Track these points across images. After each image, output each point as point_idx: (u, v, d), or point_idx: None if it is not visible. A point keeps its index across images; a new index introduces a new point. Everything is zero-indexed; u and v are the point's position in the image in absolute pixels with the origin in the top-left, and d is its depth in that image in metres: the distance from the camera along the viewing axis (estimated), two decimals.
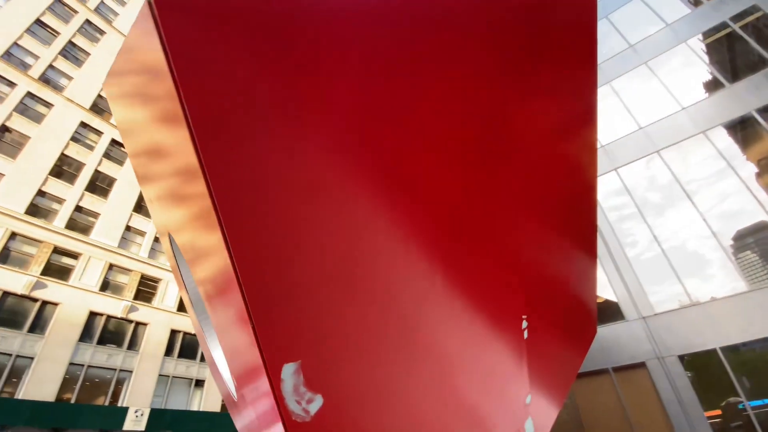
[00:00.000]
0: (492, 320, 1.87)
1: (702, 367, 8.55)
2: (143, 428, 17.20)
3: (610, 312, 10.04)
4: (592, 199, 2.67)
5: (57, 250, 18.45)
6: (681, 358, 8.58)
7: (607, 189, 11.17)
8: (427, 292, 1.16)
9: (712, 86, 10.33)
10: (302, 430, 0.84)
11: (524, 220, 1.65)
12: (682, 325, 8.75)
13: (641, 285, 9.60)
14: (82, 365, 17.45)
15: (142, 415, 17.51)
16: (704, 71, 10.68)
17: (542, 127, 1.59)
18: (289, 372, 0.86)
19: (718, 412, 7.92)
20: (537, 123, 1.54)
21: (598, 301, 10.38)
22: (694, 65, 10.86)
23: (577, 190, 2.23)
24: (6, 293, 16.25)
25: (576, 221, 2.46)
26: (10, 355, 15.80)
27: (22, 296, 16.62)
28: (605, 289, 10.29)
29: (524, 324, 2.40)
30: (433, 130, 1.08)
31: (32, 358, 16.18)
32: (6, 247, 16.87)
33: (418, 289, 1.13)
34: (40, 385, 15.87)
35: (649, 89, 11.40)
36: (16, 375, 15.88)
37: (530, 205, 1.69)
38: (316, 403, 0.90)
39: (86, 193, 20.63)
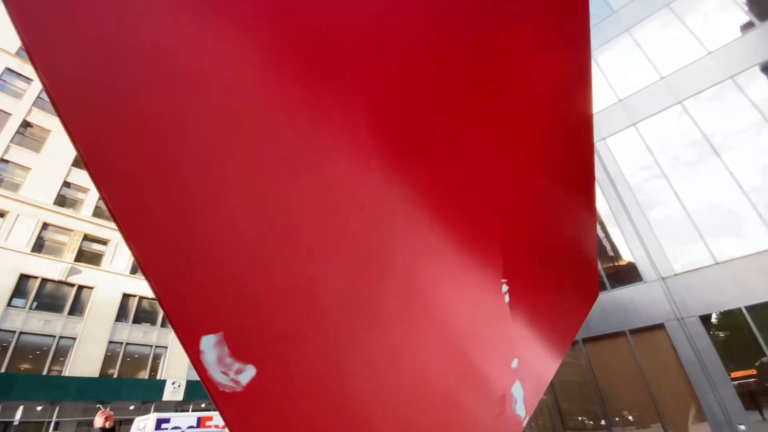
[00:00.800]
0: (465, 284, 1.80)
1: (725, 327, 8.32)
2: (181, 398, 18.45)
3: (627, 274, 9.80)
4: (588, 140, 2.52)
5: (87, 237, 19.41)
6: (702, 318, 8.36)
7: (625, 146, 10.63)
8: (378, 229, 1.04)
9: (743, 27, 9.45)
10: (234, 401, 0.83)
11: (502, 157, 1.47)
12: (704, 284, 8.45)
13: (661, 246, 9.27)
14: (121, 343, 18.63)
15: (179, 386, 18.75)
16: (733, 10, 9.74)
17: (528, 45, 1.39)
18: (209, 344, 0.85)
19: (745, 372, 7.73)
20: (522, 38, 1.35)
21: (617, 264, 10.15)
22: (721, 4, 9.91)
23: (570, 128, 1.98)
24: (44, 279, 17.27)
25: (568, 168, 2.26)
26: (54, 336, 17.00)
27: (60, 282, 17.62)
28: (623, 252, 10.01)
29: (504, 288, 2.33)
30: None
31: (75, 338, 17.36)
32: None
33: (363, 229, 1.01)
34: (84, 363, 17.07)
35: (671, 35, 10.53)
36: (61, 354, 17.13)
37: (510, 139, 1.51)
38: (248, 374, 0.87)
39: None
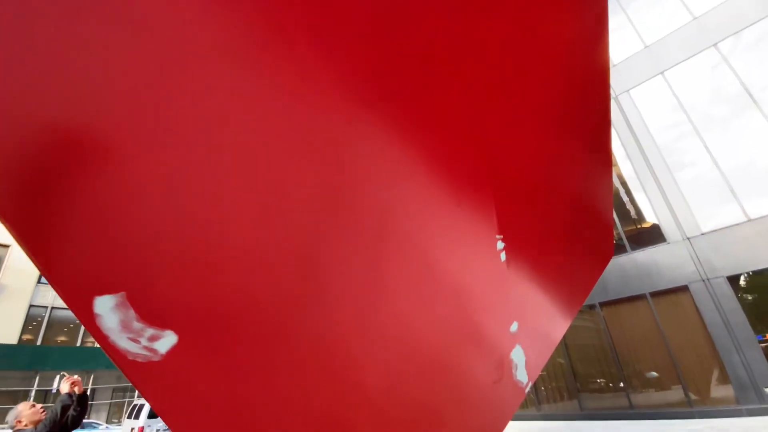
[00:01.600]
0: (456, 241, 1.60)
1: (754, 288, 7.89)
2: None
3: (649, 236, 9.34)
4: (603, 91, 2.15)
5: None
6: (730, 279, 7.93)
7: (651, 98, 9.85)
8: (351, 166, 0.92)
9: None
10: (152, 373, 0.71)
11: (494, 107, 1.31)
12: (734, 243, 7.96)
13: (688, 204, 8.72)
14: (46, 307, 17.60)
15: None
16: None
17: None
18: (106, 306, 0.69)
19: None
20: None
21: (639, 226, 9.69)
22: None
23: (582, 78, 1.82)
24: None
25: (578, 121, 2.04)
26: None
27: None
28: (645, 212, 9.51)
29: (500, 245, 2.12)
30: None
31: None
32: None
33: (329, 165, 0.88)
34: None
35: None
36: None
37: (505, 88, 1.32)
38: (166, 341, 0.74)
39: None
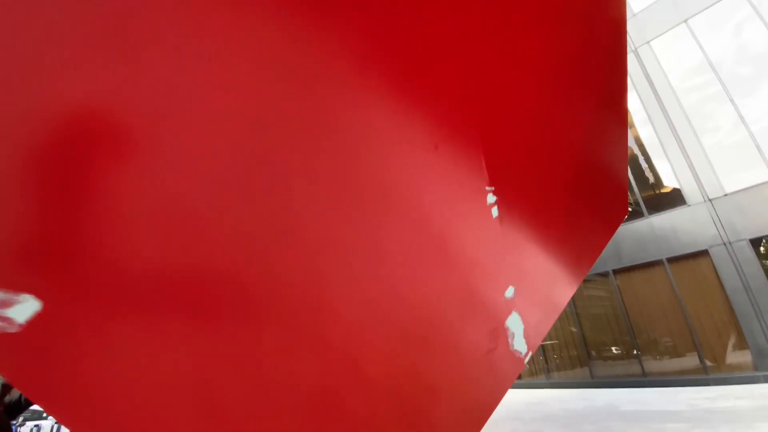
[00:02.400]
0: (441, 191, 1.44)
1: None
2: None
3: (666, 199, 8.88)
4: (618, 42, 2.00)
5: None
6: (753, 242, 7.51)
7: (674, 50, 9.12)
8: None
9: None
10: (9, 346, 0.58)
11: (483, 45, 1.24)
12: (758, 204, 7.48)
13: (711, 164, 8.17)
14: None
15: None
16: None
17: None
18: None
19: None
20: None
21: (657, 188, 9.23)
22: None
23: (592, 28, 1.72)
24: None
25: (589, 65, 1.88)
26: None
27: None
28: (663, 172, 9.00)
29: (491, 199, 1.76)
30: None
31: None
32: None
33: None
34: None
35: None
36: None
37: (496, 30, 1.25)
38: (24, 307, 0.60)
39: None
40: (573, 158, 2.41)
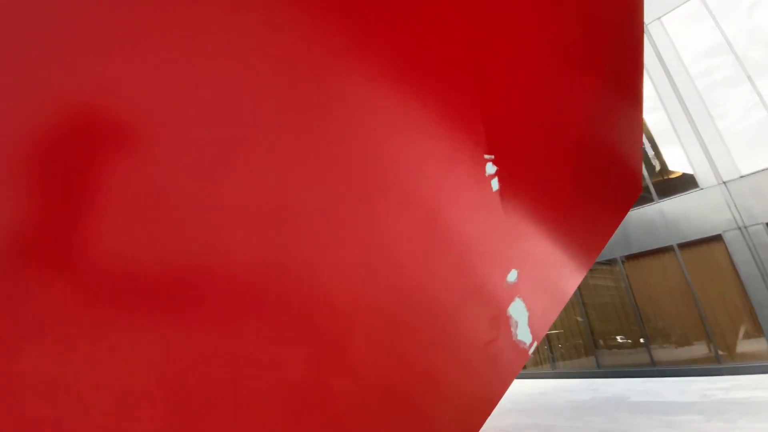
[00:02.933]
0: (426, 155, 1.32)
1: None
2: None
3: (678, 183, 8.53)
4: (635, 12, 1.96)
5: None
6: None
7: (687, 24, 8.67)
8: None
9: None
10: None
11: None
12: None
13: (726, 145, 7.79)
14: None
15: None
16: None
17: None
18: None
19: None
20: None
21: (668, 173, 8.87)
22: None
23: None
24: None
25: (602, 44, 1.87)
26: None
27: None
28: (675, 154, 8.63)
29: (491, 169, 1.74)
30: None
31: None
32: None
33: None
34: None
35: None
36: None
37: None
38: None
39: None
40: (581, 134, 2.11)
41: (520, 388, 8.91)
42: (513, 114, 1.85)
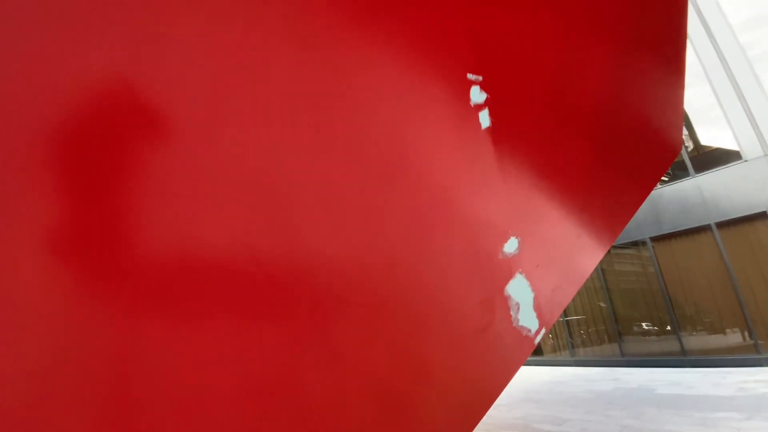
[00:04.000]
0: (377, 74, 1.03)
1: None
2: None
3: (717, 156, 7.72)
4: None
5: None
6: None
7: None
8: None
9: None
10: None
11: None
12: None
13: None
14: None
15: None
16: None
17: None
18: None
19: None
20: None
21: (709, 150, 8.07)
22: None
23: None
24: None
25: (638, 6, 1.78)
26: None
27: None
28: (715, 125, 7.79)
29: (477, 96, 1.34)
30: None
31: None
32: None
33: None
34: None
35: None
36: None
37: None
38: None
39: None
40: (603, 85, 1.87)
41: (534, 376, 8.48)
42: (513, 34, 1.40)
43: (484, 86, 1.22)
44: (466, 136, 1.22)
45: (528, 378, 8.24)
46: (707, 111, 7.90)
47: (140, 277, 0.63)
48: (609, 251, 8.80)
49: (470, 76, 1.17)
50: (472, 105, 1.22)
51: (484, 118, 1.27)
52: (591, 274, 9.08)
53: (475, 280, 1.48)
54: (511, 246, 1.56)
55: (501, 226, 1.51)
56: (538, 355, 10.18)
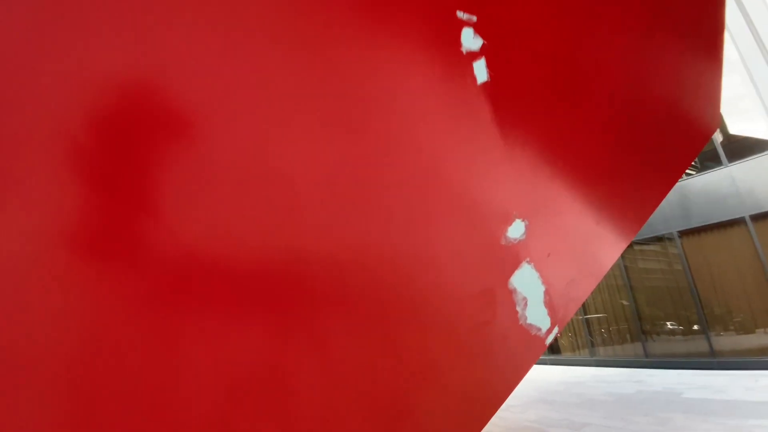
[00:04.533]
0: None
1: None
2: None
3: (750, 144, 7.17)
4: None
5: None
6: None
7: None
8: None
9: None
10: None
11: None
12: None
13: None
14: None
15: None
16: None
17: None
18: None
19: None
20: None
21: (743, 138, 7.53)
22: None
23: None
24: None
25: None
26: None
27: None
28: (748, 113, 7.25)
29: (471, 41, 1.11)
30: None
31: None
32: None
33: None
34: None
35: None
36: None
37: None
38: None
39: None
40: (629, 46, 1.68)
41: (550, 375, 8.15)
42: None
43: (478, 29, 0.99)
44: (455, 90, 1.00)
45: (543, 377, 7.92)
46: (737, 102, 7.36)
47: (154, 273, 0.65)
48: (632, 246, 8.38)
49: (461, 14, 0.95)
50: (464, 52, 1.00)
51: (480, 70, 1.04)
52: (612, 271, 8.66)
53: (470, 268, 1.26)
54: (516, 230, 1.34)
55: (503, 206, 1.29)
56: (555, 353, 9.83)
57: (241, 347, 0.75)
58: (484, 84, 1.06)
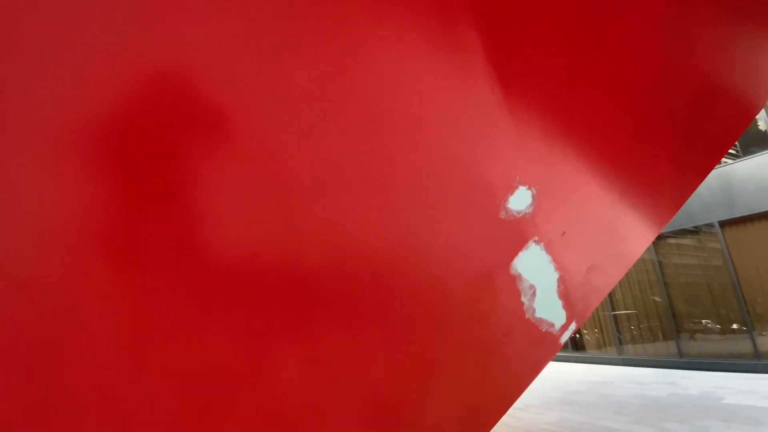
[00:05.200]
0: None
1: None
2: None
3: None
4: None
5: None
6: None
7: None
8: None
9: None
10: None
11: None
12: None
13: None
14: None
15: None
16: None
17: None
18: None
19: None
20: None
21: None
22: None
23: None
24: None
25: None
26: None
27: None
28: None
29: None
30: None
31: None
32: None
33: None
34: None
35: None
36: None
37: None
38: None
39: None
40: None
41: (574, 373, 7.73)
42: None
43: None
44: (438, 33, 0.81)
45: (565, 375, 7.52)
46: None
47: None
48: (666, 239, 7.81)
49: None
50: None
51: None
52: (643, 266, 8.11)
53: (460, 248, 1.03)
54: (521, 200, 1.10)
55: (503, 169, 1.04)
56: (580, 350, 9.37)
57: (232, 342, 0.75)
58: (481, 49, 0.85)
